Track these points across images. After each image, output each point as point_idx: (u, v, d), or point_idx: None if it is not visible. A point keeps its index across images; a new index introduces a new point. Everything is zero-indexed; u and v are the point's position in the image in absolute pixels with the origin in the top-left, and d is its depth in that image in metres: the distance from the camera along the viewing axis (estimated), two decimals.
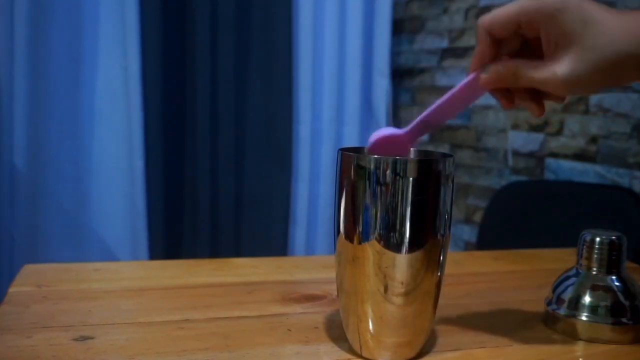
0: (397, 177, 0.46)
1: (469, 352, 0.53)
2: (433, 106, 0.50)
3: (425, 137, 1.80)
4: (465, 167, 1.63)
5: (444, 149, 1.71)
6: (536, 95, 0.50)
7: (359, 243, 0.48)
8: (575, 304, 0.57)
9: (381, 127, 0.53)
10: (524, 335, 0.57)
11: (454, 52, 1.68)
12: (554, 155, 1.37)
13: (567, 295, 0.58)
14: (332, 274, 0.52)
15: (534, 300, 0.64)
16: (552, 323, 0.59)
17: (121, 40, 1.52)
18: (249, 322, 0.58)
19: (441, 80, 1.73)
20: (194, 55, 1.63)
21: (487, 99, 1.77)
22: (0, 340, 0.51)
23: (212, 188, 1.67)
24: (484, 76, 0.49)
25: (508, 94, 0.51)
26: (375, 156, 0.47)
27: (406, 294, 0.48)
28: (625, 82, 0.47)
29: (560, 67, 0.45)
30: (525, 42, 0.49)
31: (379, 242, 0.47)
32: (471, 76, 0.50)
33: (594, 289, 0.57)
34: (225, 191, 1.69)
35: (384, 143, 0.50)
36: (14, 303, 0.60)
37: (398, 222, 0.46)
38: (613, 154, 1.23)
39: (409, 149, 0.52)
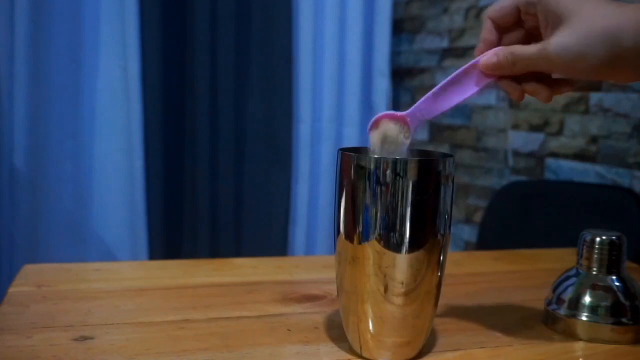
0: (397, 177, 0.46)
1: (469, 352, 0.53)
2: (432, 90, 0.51)
3: (425, 137, 1.80)
4: (465, 167, 1.63)
5: (444, 149, 1.71)
6: (542, 80, 0.51)
7: (359, 243, 0.48)
8: (575, 304, 0.57)
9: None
10: (524, 335, 0.57)
11: (454, 52, 1.68)
12: (554, 155, 1.37)
13: (567, 295, 0.58)
14: (332, 274, 0.52)
15: (534, 300, 0.64)
16: (552, 323, 0.59)
17: (121, 40, 1.52)
18: (248, 322, 0.58)
19: (441, 80, 1.73)
20: (193, 55, 1.63)
21: (487, 98, 1.76)
22: (0, 340, 0.51)
23: (212, 188, 1.67)
24: (483, 59, 0.50)
25: (515, 84, 0.51)
26: (375, 156, 0.47)
27: (406, 294, 0.48)
28: (620, 66, 0.47)
29: (551, 41, 0.47)
30: (528, 34, 0.52)
31: (379, 242, 0.47)
32: (472, 61, 0.51)
33: (594, 289, 0.57)
34: (225, 191, 1.69)
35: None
36: (14, 303, 0.60)
37: (398, 222, 0.46)
38: (613, 154, 1.23)
39: (410, 132, 0.52)
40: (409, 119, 0.51)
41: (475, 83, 0.51)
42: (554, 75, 0.51)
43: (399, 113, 0.51)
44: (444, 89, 0.51)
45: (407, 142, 0.51)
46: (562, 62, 0.47)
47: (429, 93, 0.51)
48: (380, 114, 0.52)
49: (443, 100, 0.51)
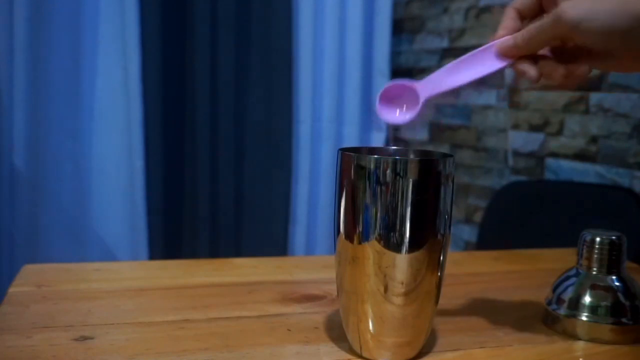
0: (397, 177, 0.46)
1: (469, 352, 0.53)
2: (447, 65, 0.51)
3: (425, 137, 1.80)
4: (465, 167, 1.63)
5: (444, 149, 1.70)
6: (561, 57, 0.51)
7: (359, 243, 0.48)
8: (575, 304, 0.57)
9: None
10: (524, 335, 0.57)
11: (454, 52, 1.68)
12: (554, 155, 1.37)
13: (567, 295, 0.58)
14: (332, 274, 0.52)
15: (534, 300, 0.64)
16: (552, 323, 0.59)
17: (121, 40, 1.52)
18: (248, 322, 0.58)
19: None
20: (193, 55, 1.62)
21: (487, 98, 1.75)
22: (0, 340, 0.51)
23: (212, 188, 1.67)
24: (499, 41, 0.51)
25: (531, 64, 0.51)
26: (375, 156, 0.47)
27: (406, 294, 0.48)
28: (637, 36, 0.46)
29: (561, 4, 0.46)
30: None
31: (379, 242, 0.47)
32: (489, 43, 0.51)
33: (594, 289, 0.57)
34: (225, 191, 1.69)
35: (395, 90, 0.51)
36: (14, 303, 0.60)
37: (398, 222, 0.46)
38: (613, 154, 1.23)
39: (419, 103, 0.52)
40: (419, 90, 0.51)
41: (490, 65, 0.51)
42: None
43: (408, 83, 0.51)
44: (459, 66, 0.51)
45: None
46: (574, 24, 0.45)
47: (443, 68, 0.51)
48: (390, 84, 0.52)
49: (456, 76, 0.51)
